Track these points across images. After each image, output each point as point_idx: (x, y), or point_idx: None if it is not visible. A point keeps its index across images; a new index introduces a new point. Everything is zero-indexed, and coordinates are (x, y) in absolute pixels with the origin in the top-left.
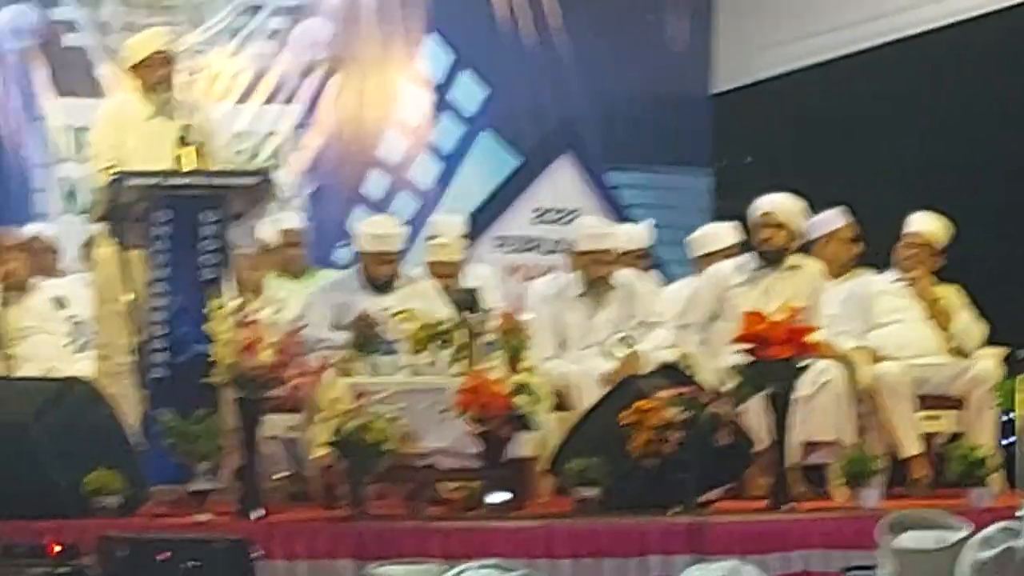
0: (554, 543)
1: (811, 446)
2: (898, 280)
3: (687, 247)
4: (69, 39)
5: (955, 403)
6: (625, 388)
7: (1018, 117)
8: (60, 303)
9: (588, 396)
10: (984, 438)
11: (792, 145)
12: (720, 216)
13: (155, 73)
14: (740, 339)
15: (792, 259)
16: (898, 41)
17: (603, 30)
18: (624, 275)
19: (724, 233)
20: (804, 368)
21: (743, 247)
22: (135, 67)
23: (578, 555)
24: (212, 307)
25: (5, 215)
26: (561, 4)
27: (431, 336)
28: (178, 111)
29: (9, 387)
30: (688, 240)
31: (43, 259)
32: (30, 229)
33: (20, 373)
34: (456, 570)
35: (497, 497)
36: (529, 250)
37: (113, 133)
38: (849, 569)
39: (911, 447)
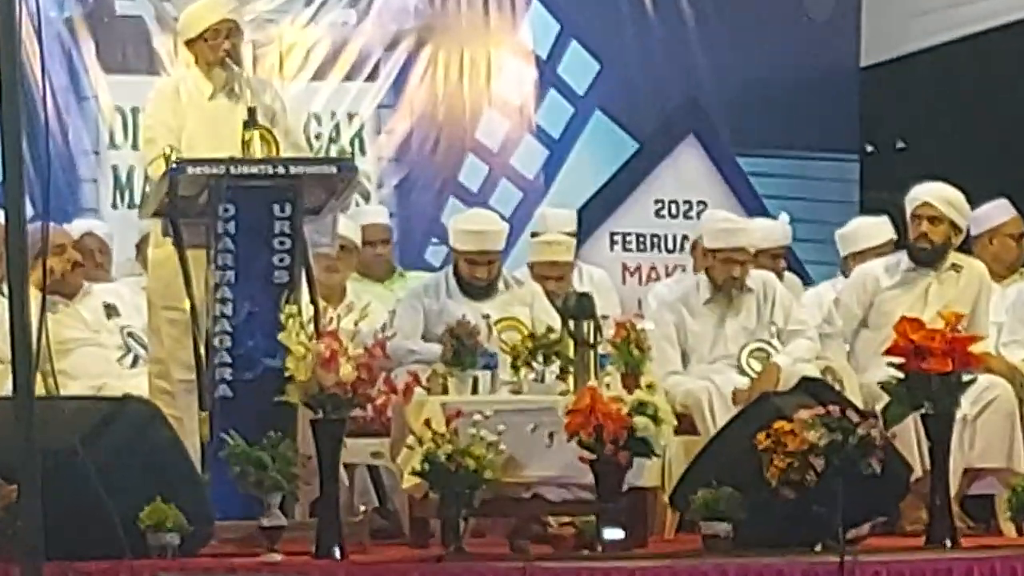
0: None
1: (975, 474)
2: None
3: (832, 244)
4: (121, 6)
5: None
6: (761, 407)
7: None
8: (111, 311)
9: (718, 416)
10: None
11: (949, 127)
12: (868, 209)
13: (219, 46)
14: (893, 350)
15: (952, 258)
16: None
17: None
18: (759, 276)
19: (875, 228)
20: (967, 384)
21: (896, 245)
22: (195, 39)
23: None
24: (285, 315)
25: (49, 209)
26: None
27: (537, 348)
28: (245, 90)
29: (53, 407)
30: (835, 236)
31: (94, 260)
32: (79, 225)
33: (66, 391)
34: None
35: (613, 533)
36: (649, 248)
37: (170, 115)
38: None
39: None
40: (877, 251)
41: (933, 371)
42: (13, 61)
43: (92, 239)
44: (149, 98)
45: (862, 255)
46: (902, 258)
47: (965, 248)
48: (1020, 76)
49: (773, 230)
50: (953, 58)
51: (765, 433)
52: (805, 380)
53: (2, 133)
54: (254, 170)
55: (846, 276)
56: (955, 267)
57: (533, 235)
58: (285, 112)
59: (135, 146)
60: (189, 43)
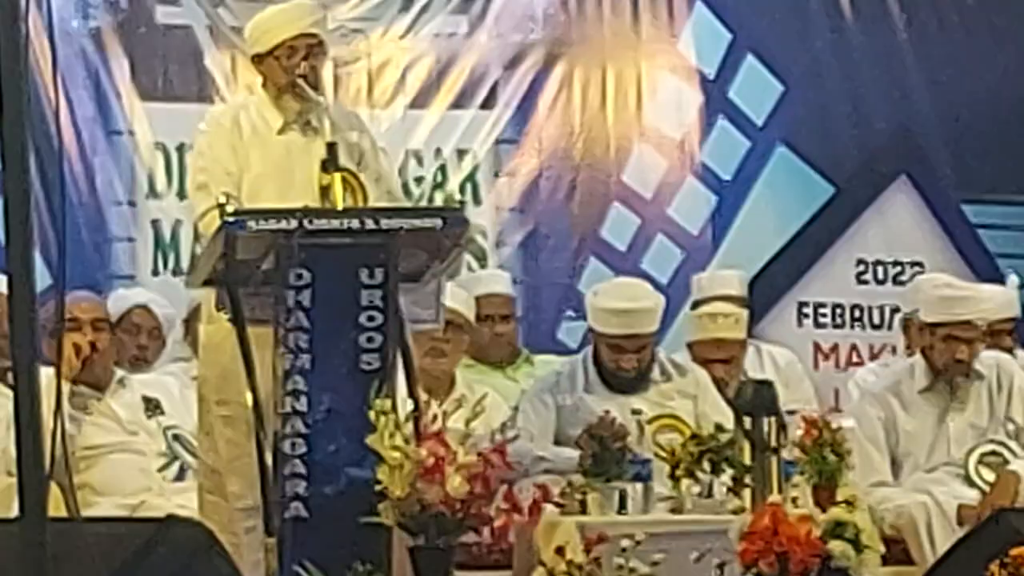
0: None
1: None
2: None
3: None
4: (164, 13)
5: None
6: (994, 528)
7: None
8: (152, 407)
9: (938, 540)
10: None
11: None
12: None
13: (294, 67)
14: None
15: None
16: None
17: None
18: (992, 359)
19: None
20: None
21: None
22: (264, 56)
23: None
24: (376, 411)
25: (73, 274)
26: None
27: (702, 453)
28: (324, 121)
29: (78, 532)
30: None
31: (137, 343)
32: (125, 297)
33: (91, 511)
34: None
35: None
36: (849, 323)
37: (228, 154)
38: None
39: None
40: None
41: None
42: (18, 87)
43: (143, 315)
44: (200, 131)
45: None
46: None
47: None
48: None
49: (1008, 298)
50: None
51: (999, 562)
52: None
53: (4, 180)
54: (335, 224)
55: None
56: None
57: (693, 306)
58: (376, 150)
59: (181, 195)
60: (256, 60)
